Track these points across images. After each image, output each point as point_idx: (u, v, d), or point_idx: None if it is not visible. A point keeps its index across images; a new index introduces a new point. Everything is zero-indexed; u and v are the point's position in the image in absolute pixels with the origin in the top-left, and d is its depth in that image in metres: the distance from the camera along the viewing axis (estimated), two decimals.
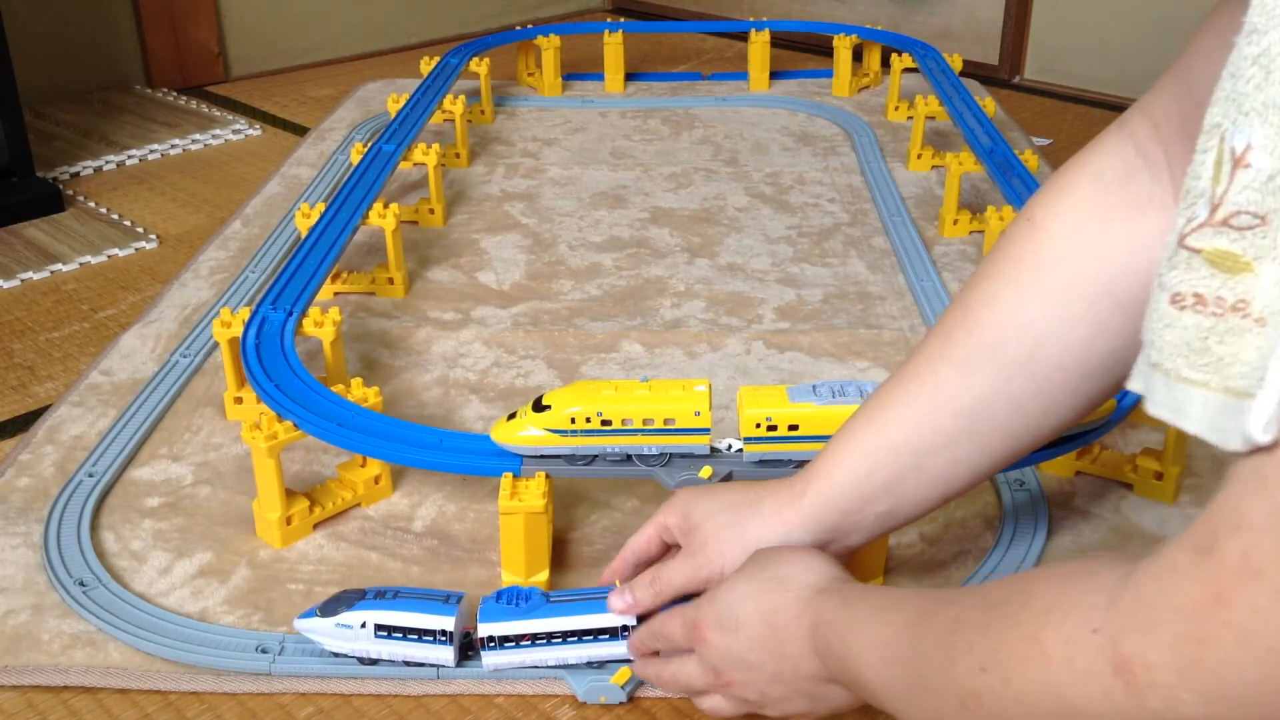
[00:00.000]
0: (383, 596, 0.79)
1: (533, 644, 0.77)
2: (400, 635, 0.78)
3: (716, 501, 0.74)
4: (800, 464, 0.80)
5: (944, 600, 0.53)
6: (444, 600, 0.79)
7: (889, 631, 0.56)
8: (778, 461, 0.83)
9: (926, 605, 0.54)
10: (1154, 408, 0.44)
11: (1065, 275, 0.63)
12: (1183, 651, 0.39)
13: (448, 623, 0.77)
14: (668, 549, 0.78)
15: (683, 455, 0.84)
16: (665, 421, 0.82)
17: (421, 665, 0.79)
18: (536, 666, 0.79)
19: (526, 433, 0.83)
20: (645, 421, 0.81)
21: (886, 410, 0.69)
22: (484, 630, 0.77)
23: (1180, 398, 0.43)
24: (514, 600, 0.78)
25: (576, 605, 0.78)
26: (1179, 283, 0.43)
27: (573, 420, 0.82)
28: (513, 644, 0.77)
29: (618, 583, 0.77)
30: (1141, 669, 0.41)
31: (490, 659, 0.78)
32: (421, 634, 0.78)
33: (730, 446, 0.85)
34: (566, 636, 0.77)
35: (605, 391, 0.83)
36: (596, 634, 0.77)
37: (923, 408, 0.68)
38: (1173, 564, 0.40)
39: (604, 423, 0.82)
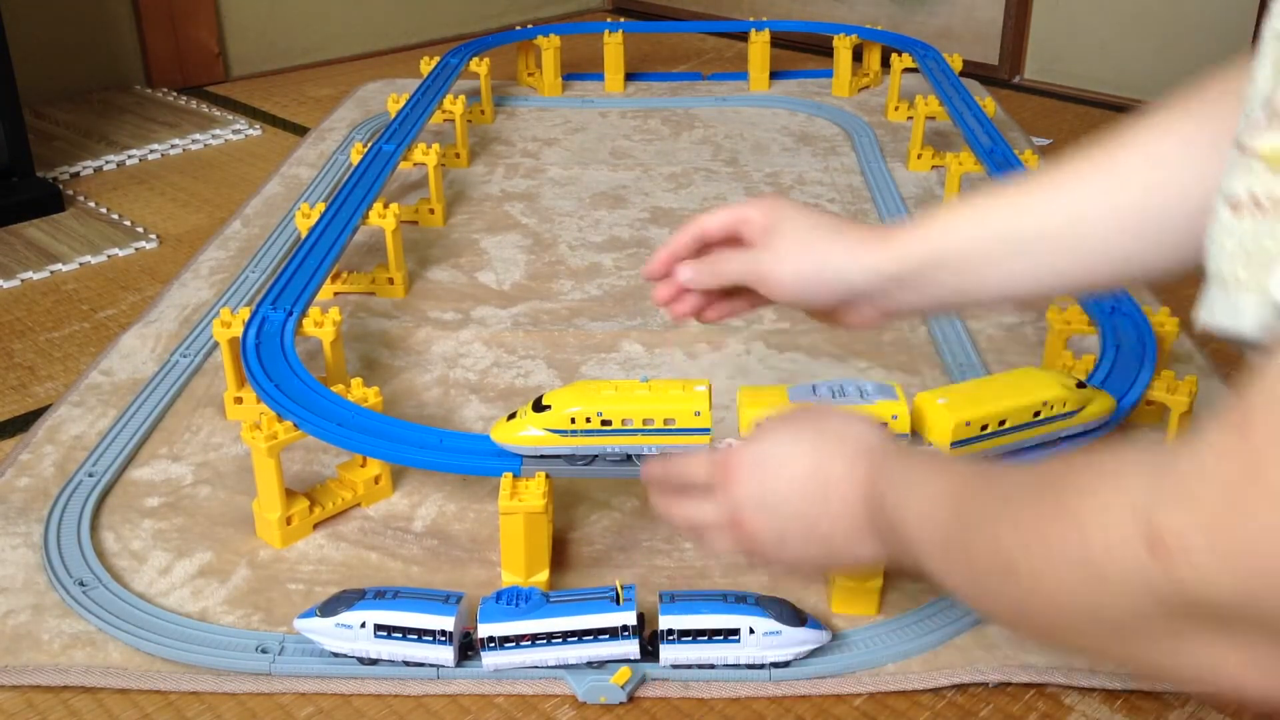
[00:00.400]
0: (382, 596, 0.79)
1: (533, 644, 0.77)
2: (400, 635, 0.78)
3: (805, 215, 0.75)
4: None
5: (997, 475, 0.54)
6: (443, 600, 0.79)
7: (942, 494, 0.56)
8: None
9: (980, 475, 0.55)
10: (1211, 317, 0.45)
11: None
12: (1214, 522, 0.40)
13: (447, 623, 0.77)
14: (731, 244, 0.77)
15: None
16: (665, 421, 0.82)
17: (421, 665, 0.79)
18: (536, 667, 0.79)
19: (527, 433, 0.83)
20: (645, 421, 0.81)
21: (1010, 197, 0.70)
22: (484, 631, 0.77)
23: (1236, 303, 0.43)
24: (514, 600, 0.78)
25: (576, 605, 0.78)
26: (1237, 188, 0.43)
27: (573, 420, 0.82)
28: (513, 644, 0.77)
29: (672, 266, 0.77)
30: (1174, 539, 0.41)
31: (490, 659, 0.78)
32: (421, 634, 0.78)
33: (731, 446, 0.85)
34: (566, 636, 0.77)
35: (605, 392, 0.83)
36: (596, 634, 0.77)
37: (1056, 203, 0.67)
38: (1210, 441, 0.41)
39: (604, 423, 0.82)
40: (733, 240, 0.76)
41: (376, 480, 0.97)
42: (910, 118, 1.77)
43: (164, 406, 1.11)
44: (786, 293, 0.74)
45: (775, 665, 0.79)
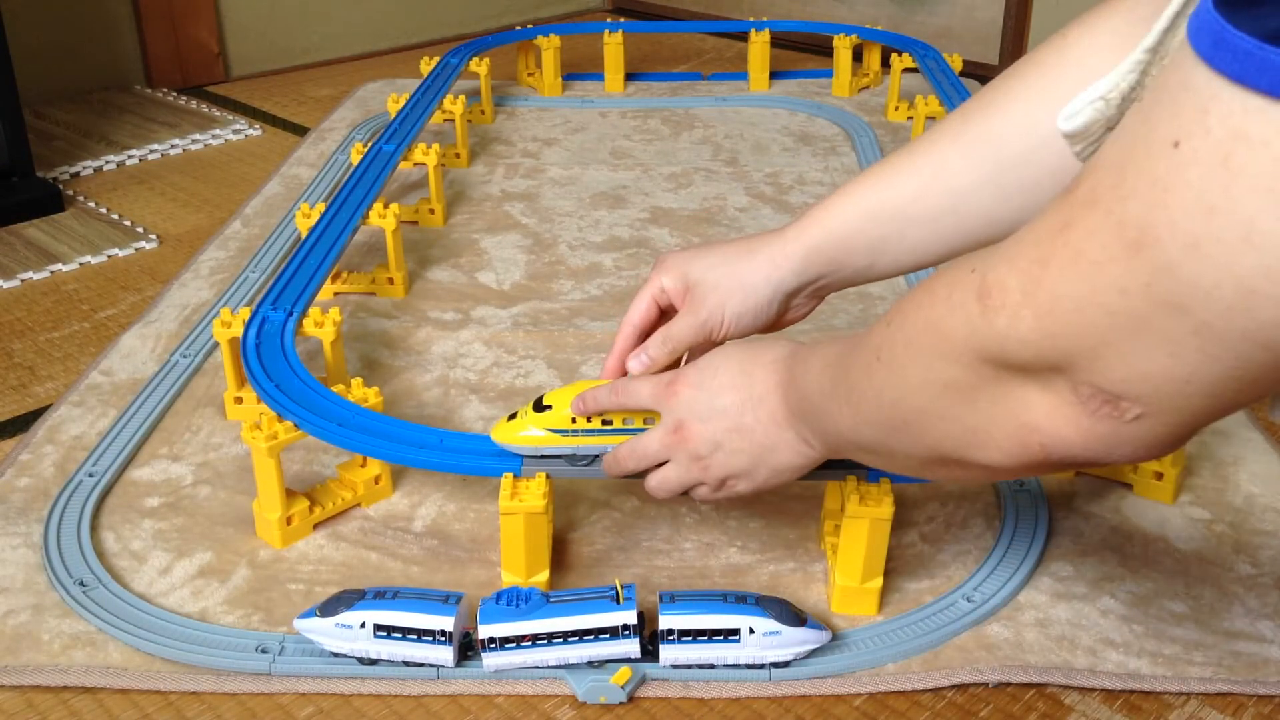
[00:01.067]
0: (382, 596, 0.79)
1: (533, 645, 0.77)
2: (399, 635, 0.78)
3: (710, 256, 0.80)
4: None
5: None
6: (443, 600, 0.79)
7: (838, 343, 0.65)
8: None
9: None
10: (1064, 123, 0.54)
11: (1078, 88, 0.66)
12: (1029, 271, 0.45)
13: (447, 623, 0.77)
14: (663, 316, 0.83)
15: None
16: None
17: (421, 665, 0.79)
18: (537, 667, 0.79)
19: (527, 433, 0.83)
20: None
21: (888, 176, 0.76)
22: (484, 631, 0.77)
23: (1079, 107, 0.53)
24: (514, 601, 0.78)
25: (576, 605, 0.78)
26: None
27: (574, 420, 0.82)
28: (513, 645, 0.77)
29: (628, 362, 0.82)
30: (998, 291, 0.46)
31: (491, 660, 0.78)
32: (421, 634, 0.78)
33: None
34: (567, 637, 0.77)
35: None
36: (597, 634, 0.77)
37: (923, 180, 0.74)
38: (1044, 208, 0.45)
39: (604, 422, 0.82)
40: (667, 311, 0.83)
41: (376, 480, 0.97)
42: (910, 118, 1.77)
43: (164, 406, 1.11)
44: (739, 333, 0.81)
45: (775, 665, 0.79)
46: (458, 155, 1.69)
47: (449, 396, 1.14)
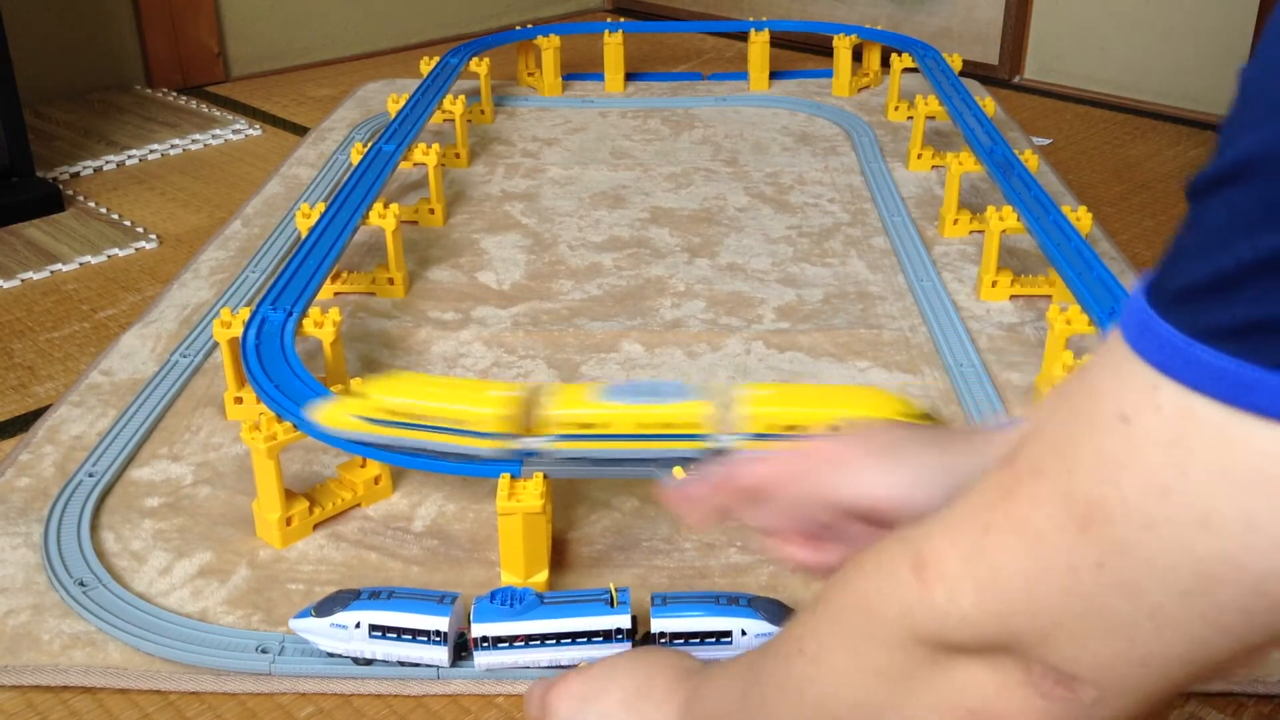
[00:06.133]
0: (377, 597, 0.79)
1: (525, 645, 0.77)
2: (394, 635, 0.78)
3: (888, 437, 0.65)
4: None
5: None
6: (438, 600, 0.79)
7: (746, 655, 0.57)
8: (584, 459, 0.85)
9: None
10: None
11: None
12: (969, 540, 0.41)
13: (442, 623, 0.77)
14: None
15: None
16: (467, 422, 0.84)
17: (417, 665, 0.79)
18: (529, 667, 0.79)
19: (344, 417, 0.85)
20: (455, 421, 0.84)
21: None
22: (477, 630, 0.77)
23: None
24: (508, 601, 0.78)
25: (570, 607, 0.78)
26: None
27: (393, 413, 0.84)
28: (506, 645, 0.77)
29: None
30: (934, 562, 0.42)
31: (483, 659, 0.78)
32: (416, 634, 0.78)
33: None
34: (560, 639, 0.77)
35: (425, 386, 0.87)
36: (590, 636, 0.77)
37: None
38: (984, 475, 0.42)
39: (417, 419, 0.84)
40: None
41: (376, 481, 0.97)
42: (910, 118, 1.77)
43: (164, 406, 1.11)
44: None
45: None
46: (458, 155, 1.69)
47: None
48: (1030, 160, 1.42)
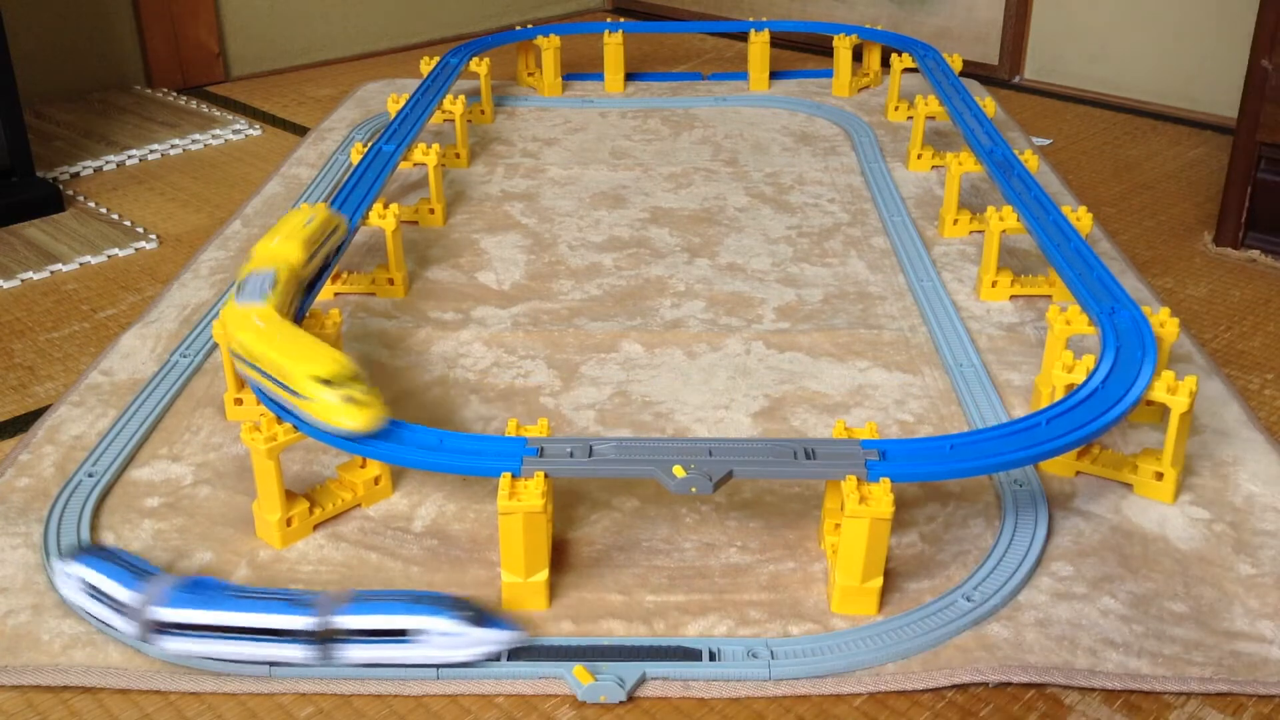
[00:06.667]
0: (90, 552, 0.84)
1: (209, 635, 0.79)
2: (94, 594, 0.81)
3: None
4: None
5: None
6: (134, 574, 0.81)
7: None
8: None
9: None
10: None
11: None
12: None
13: (135, 598, 0.79)
14: None
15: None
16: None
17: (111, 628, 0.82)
18: (216, 659, 0.80)
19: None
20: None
21: None
22: (160, 614, 0.78)
23: None
24: (199, 590, 0.80)
25: (254, 603, 0.79)
26: None
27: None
28: (194, 632, 0.79)
29: None
30: None
31: (169, 644, 0.79)
32: (112, 602, 0.81)
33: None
34: (241, 633, 0.79)
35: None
36: (271, 634, 0.79)
37: None
38: None
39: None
40: None
41: (376, 481, 0.97)
42: (910, 118, 1.77)
43: (164, 406, 1.11)
44: None
45: (450, 666, 0.80)
46: (458, 155, 1.69)
47: (449, 396, 1.14)
48: (1030, 160, 1.42)
